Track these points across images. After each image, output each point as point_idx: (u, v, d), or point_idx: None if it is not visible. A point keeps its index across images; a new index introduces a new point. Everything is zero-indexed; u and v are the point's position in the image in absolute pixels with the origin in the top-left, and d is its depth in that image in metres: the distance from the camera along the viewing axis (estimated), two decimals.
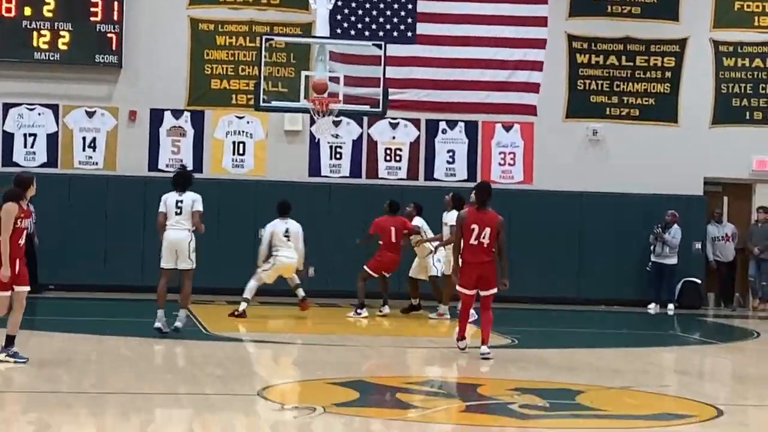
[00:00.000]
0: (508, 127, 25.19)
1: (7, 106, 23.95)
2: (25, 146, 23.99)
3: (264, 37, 21.67)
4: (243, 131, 24.64)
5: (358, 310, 20.10)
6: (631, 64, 25.64)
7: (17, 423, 10.24)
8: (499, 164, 25.20)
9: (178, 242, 16.30)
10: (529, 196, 24.78)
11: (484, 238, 14.51)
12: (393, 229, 20.51)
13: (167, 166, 24.14)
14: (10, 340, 12.94)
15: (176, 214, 16.40)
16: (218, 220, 21.91)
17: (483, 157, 25.21)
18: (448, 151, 25.15)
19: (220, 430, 10.25)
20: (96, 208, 23.66)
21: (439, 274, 20.34)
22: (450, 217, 19.67)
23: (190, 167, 22.29)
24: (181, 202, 16.43)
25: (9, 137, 23.95)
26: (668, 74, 25.63)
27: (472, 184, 24.64)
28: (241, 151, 24.60)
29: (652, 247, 24.48)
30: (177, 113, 24.44)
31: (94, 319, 19.03)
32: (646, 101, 25.63)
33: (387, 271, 20.76)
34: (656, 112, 25.55)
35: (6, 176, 23.08)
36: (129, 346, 15.62)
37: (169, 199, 16.51)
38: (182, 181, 16.83)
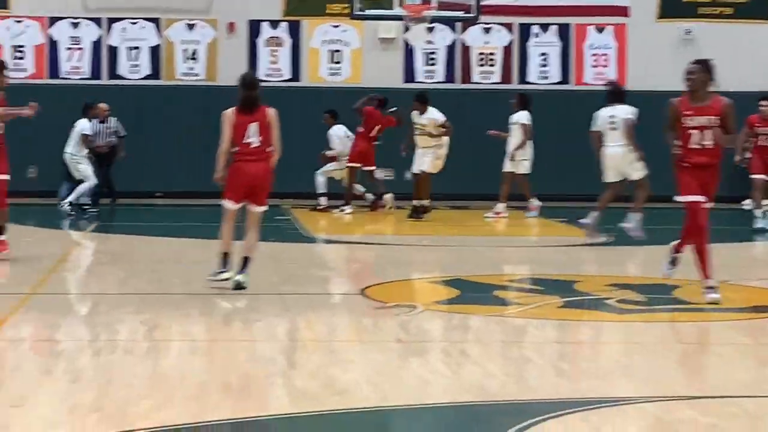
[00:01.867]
0: (600, 29, 24.96)
1: (111, 21, 24.18)
2: (129, 59, 24.24)
3: None
4: (339, 40, 24.66)
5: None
6: None
7: (131, 323, 10.48)
8: (592, 66, 25.00)
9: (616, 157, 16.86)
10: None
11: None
12: None
13: (266, 75, 24.27)
14: None
15: (611, 130, 16.78)
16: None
17: (576, 59, 25.01)
18: (541, 55, 25.03)
19: (324, 329, 10.40)
20: (198, 118, 23.86)
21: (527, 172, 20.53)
22: (519, 117, 19.89)
23: (289, 76, 22.53)
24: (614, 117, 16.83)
25: (113, 51, 24.21)
26: None
27: (564, 87, 24.65)
28: (336, 60, 24.61)
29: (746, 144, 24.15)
30: (274, 24, 24.54)
31: (201, 225, 19.26)
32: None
33: None
34: (750, 10, 25.07)
35: (111, 89, 23.56)
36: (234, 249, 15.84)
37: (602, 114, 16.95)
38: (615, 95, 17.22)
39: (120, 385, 8.15)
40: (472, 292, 12.30)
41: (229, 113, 11.65)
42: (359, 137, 21.51)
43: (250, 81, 12.00)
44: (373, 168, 21.88)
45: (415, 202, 20.28)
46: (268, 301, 11.05)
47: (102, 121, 21.92)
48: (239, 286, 11.44)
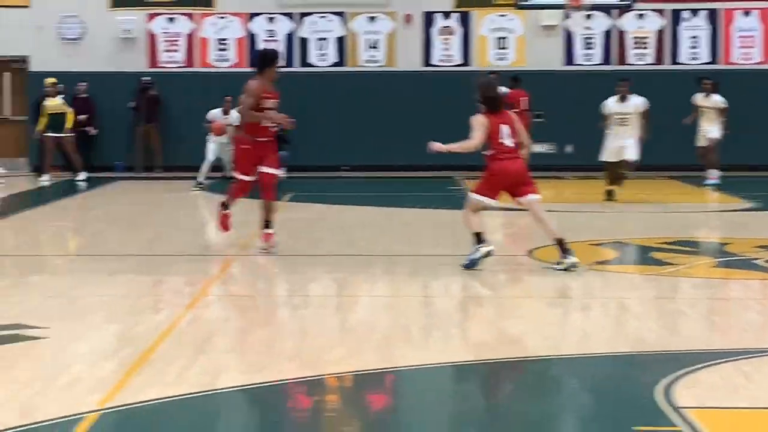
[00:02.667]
0: (747, 13, 24.33)
1: (302, 15, 24.47)
2: (318, 49, 24.50)
3: None
4: (504, 28, 24.52)
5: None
6: None
7: (323, 280, 10.64)
8: (739, 47, 24.40)
9: None
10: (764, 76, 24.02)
11: None
12: None
13: (439, 61, 24.41)
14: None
15: None
16: None
17: (724, 41, 24.44)
18: (692, 37, 24.48)
19: (496, 286, 10.41)
20: (378, 101, 24.02)
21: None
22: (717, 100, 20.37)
23: (460, 62, 22.50)
24: None
25: (304, 42, 24.51)
26: None
27: (715, 67, 24.12)
28: (503, 46, 24.50)
29: None
30: (446, 14, 24.51)
31: (386, 194, 19.42)
32: None
33: None
34: None
35: (302, 75, 23.85)
36: (418, 215, 15.98)
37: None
38: None
39: (314, 335, 8.29)
40: (630, 253, 12.20)
41: (482, 118, 10.90)
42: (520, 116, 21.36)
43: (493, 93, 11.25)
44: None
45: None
46: (444, 262, 11.09)
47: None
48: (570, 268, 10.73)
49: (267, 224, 11.83)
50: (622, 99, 17.79)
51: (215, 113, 20.97)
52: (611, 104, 17.89)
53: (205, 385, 6.67)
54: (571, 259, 10.66)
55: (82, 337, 8.04)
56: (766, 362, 7.31)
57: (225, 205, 12.21)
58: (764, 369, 7.15)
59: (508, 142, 10.85)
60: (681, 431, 5.76)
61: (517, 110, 18.99)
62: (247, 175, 11.77)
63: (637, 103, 17.84)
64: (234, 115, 18.54)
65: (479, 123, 10.85)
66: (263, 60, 12.25)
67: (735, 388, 6.68)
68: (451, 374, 7.26)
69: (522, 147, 11.17)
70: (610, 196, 17.57)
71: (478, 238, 10.84)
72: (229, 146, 18.53)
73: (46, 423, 5.92)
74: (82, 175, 22.18)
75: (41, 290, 10.20)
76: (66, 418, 5.98)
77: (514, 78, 21.91)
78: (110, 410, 6.18)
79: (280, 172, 12.03)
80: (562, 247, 10.74)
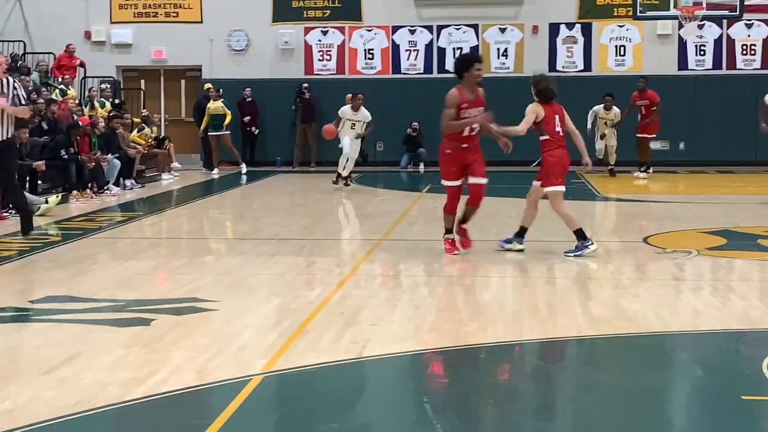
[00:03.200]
0: None
1: (440, 28, 24.46)
2: (454, 57, 24.42)
3: None
4: (623, 37, 24.17)
5: None
6: None
7: (459, 263, 10.58)
8: None
9: None
10: None
11: None
12: None
13: (563, 67, 24.16)
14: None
15: None
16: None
17: None
18: None
19: (614, 269, 10.27)
20: (508, 103, 23.82)
21: None
22: None
23: (582, 68, 22.24)
24: None
25: (442, 51, 24.49)
26: None
27: None
28: (622, 53, 24.16)
29: None
30: (570, 26, 24.28)
31: (512, 187, 19.28)
32: None
33: None
34: None
35: (440, 80, 23.84)
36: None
37: None
38: None
39: (452, 310, 8.30)
40: (738, 240, 11.93)
41: (535, 107, 10.79)
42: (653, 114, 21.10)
43: (546, 86, 11.00)
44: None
45: None
46: (565, 247, 10.96)
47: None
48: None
49: (464, 221, 11.02)
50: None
51: (345, 110, 19.03)
52: None
53: (355, 353, 6.75)
54: (590, 246, 10.61)
55: (248, 310, 8.18)
56: None
57: (448, 231, 11.01)
58: None
59: (560, 130, 10.71)
60: None
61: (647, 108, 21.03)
62: (454, 180, 10.84)
63: None
64: (364, 113, 18.67)
65: (531, 111, 10.71)
66: (461, 65, 11.09)
67: None
68: (572, 348, 7.21)
69: (574, 137, 11.04)
70: None
71: (580, 234, 10.68)
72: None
73: (220, 383, 6.06)
74: (243, 168, 22.63)
75: (212, 269, 10.42)
76: (237, 380, 6.10)
77: (644, 78, 21.67)
78: (274, 373, 6.29)
79: (486, 180, 10.93)
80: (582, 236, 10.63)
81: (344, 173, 19.17)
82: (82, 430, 5.33)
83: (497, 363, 6.84)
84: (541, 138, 10.75)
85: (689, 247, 11.32)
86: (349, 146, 18.89)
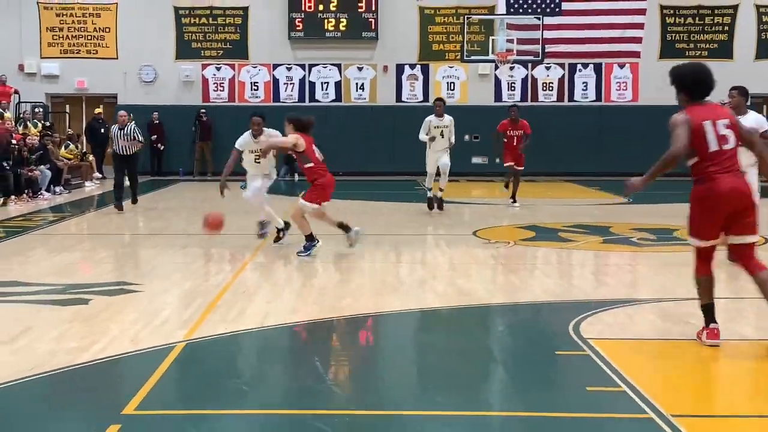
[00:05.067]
0: (621, 66, 24.51)
1: (311, 66, 24.46)
2: (322, 89, 24.50)
3: (465, 16, 21.69)
4: (453, 75, 24.60)
5: None
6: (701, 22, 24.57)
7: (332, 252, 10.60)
8: (616, 89, 24.63)
9: None
10: (634, 109, 24.19)
11: None
12: None
13: (407, 98, 24.47)
14: None
15: None
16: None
17: (605, 85, 24.63)
18: (583, 82, 24.66)
19: (453, 256, 10.46)
20: (367, 127, 24.05)
21: None
22: None
23: (421, 99, 22.48)
24: None
25: (312, 84, 24.51)
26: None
27: (598, 103, 24.25)
28: (452, 88, 24.58)
29: None
30: (412, 66, 24.56)
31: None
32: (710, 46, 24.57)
33: None
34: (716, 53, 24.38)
35: (310, 108, 23.86)
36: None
37: None
38: None
39: (330, 288, 8.32)
40: (543, 233, 12.26)
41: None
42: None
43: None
44: None
45: None
46: (417, 240, 11.11)
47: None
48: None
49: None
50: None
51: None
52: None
53: (257, 324, 6.79)
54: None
55: (166, 291, 8.10)
56: (641, 308, 7.40)
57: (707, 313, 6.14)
58: (641, 313, 7.25)
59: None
60: (588, 355, 5.85)
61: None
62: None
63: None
64: (448, 118, 14.34)
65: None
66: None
67: (623, 325, 6.82)
68: (426, 319, 7.35)
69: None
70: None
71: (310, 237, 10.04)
72: None
73: (150, 349, 6.02)
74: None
75: (133, 258, 10.25)
76: (164, 346, 6.07)
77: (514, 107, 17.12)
78: (193, 341, 6.28)
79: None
80: None
81: (431, 191, 14.53)
82: (39, 389, 5.24)
83: (366, 331, 6.96)
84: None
85: (507, 238, 11.62)
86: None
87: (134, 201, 15.78)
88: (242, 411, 4.78)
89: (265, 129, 11.10)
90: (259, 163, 11.13)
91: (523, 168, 16.03)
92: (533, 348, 6.26)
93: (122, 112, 15.67)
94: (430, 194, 14.63)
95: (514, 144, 15.81)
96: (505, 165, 16.11)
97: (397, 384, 5.39)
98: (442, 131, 14.34)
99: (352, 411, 4.73)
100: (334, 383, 5.35)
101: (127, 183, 15.61)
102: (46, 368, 5.50)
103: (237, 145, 11.12)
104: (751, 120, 9.10)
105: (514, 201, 15.90)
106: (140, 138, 15.44)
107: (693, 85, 6.03)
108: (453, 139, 14.49)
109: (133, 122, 15.95)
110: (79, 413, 4.84)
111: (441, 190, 14.57)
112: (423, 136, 14.35)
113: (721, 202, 5.87)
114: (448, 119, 14.44)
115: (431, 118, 14.43)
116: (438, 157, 14.29)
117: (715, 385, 5.58)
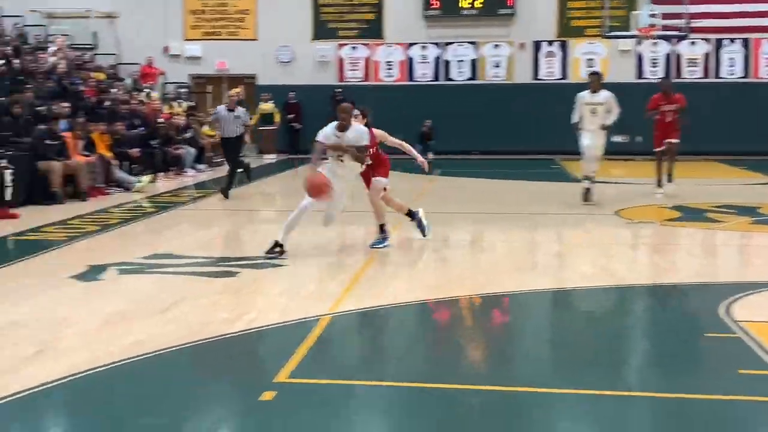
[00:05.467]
0: None
1: (447, 44, 24.43)
2: (457, 68, 24.47)
3: None
4: (593, 52, 24.12)
5: None
6: None
7: (467, 229, 10.64)
8: (765, 65, 23.61)
9: None
10: None
11: None
12: None
13: (545, 76, 24.17)
14: None
15: None
16: None
17: (753, 60, 23.64)
18: (730, 58, 23.75)
19: (593, 234, 10.32)
20: (503, 106, 23.94)
21: None
22: None
23: (560, 76, 22.12)
24: None
25: (447, 63, 24.48)
26: None
27: (745, 80, 23.32)
28: (592, 65, 24.09)
29: None
30: (550, 42, 24.21)
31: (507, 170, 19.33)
32: None
33: None
34: None
35: (444, 87, 23.84)
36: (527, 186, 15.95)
37: None
38: None
39: (451, 267, 8.35)
40: (691, 214, 11.97)
41: None
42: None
43: None
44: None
45: None
46: (551, 218, 11.01)
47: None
48: None
49: None
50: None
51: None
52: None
53: (394, 299, 6.90)
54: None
55: (312, 266, 8.32)
56: None
57: None
58: None
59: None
60: (740, 337, 5.74)
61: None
62: None
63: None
64: (604, 94, 12.74)
65: None
66: None
67: None
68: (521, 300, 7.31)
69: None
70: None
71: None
72: None
73: (298, 320, 6.23)
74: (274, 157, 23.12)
75: (276, 235, 10.54)
76: (310, 318, 6.27)
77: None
78: (339, 313, 6.46)
79: None
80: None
81: (587, 181, 13.03)
82: (194, 357, 5.50)
83: (503, 308, 6.97)
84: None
85: (652, 218, 11.42)
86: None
87: (226, 190, 13.88)
88: (390, 383, 4.89)
89: (354, 122, 8.77)
90: (594, 116, 10.87)
91: (678, 141, 14.13)
92: (682, 329, 6.14)
93: (233, 92, 14.29)
94: (586, 183, 12.95)
95: (668, 121, 14.08)
96: (654, 150, 14.32)
97: (542, 362, 5.41)
98: (594, 108, 12.71)
99: (497, 387, 4.78)
100: (478, 359, 5.41)
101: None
102: (199, 337, 5.76)
103: (320, 138, 8.79)
104: None
105: (669, 180, 14.22)
106: (249, 121, 14.45)
107: None
108: (611, 120, 12.70)
109: (243, 105, 14.83)
110: (233, 380, 5.06)
111: (586, 178, 12.94)
112: (575, 117, 12.90)
113: None
114: (603, 95, 12.73)
115: (584, 94, 12.84)
116: (588, 137, 12.75)
117: None
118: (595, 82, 12.81)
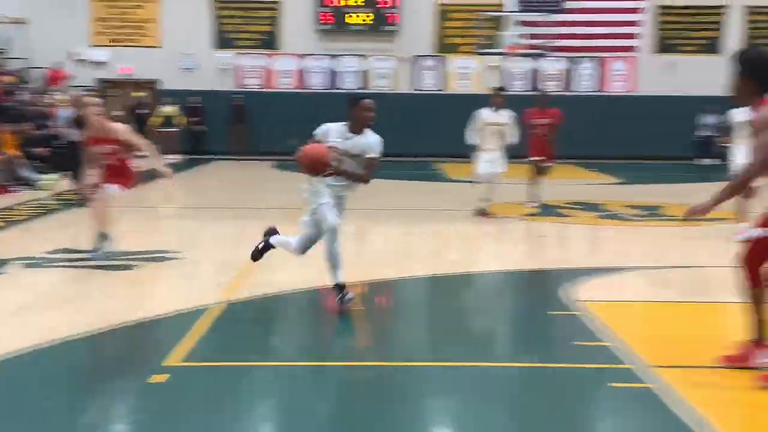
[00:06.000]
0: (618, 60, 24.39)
1: (337, 56, 24.39)
2: (348, 78, 24.47)
3: (480, 12, 21.63)
4: (466, 66, 24.52)
5: None
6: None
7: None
8: (614, 81, 24.58)
9: None
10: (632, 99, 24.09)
11: None
12: None
13: (424, 86, 24.43)
14: None
15: None
16: None
17: (603, 77, 24.54)
18: (584, 74, 24.59)
19: (458, 228, 10.48)
20: (388, 113, 24.00)
21: None
22: None
23: (439, 88, 22.24)
24: None
25: (336, 73, 24.46)
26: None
27: (597, 93, 24.14)
28: (464, 78, 24.49)
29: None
30: (428, 57, 24.51)
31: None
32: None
33: None
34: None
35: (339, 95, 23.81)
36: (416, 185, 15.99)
37: None
38: None
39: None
40: (546, 210, 12.26)
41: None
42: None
43: None
44: None
45: None
46: (427, 215, 11.12)
47: None
48: None
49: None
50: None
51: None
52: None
53: (288, 286, 6.92)
54: None
55: (206, 258, 8.26)
56: (628, 274, 7.53)
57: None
58: (628, 278, 7.38)
59: None
60: (578, 314, 5.98)
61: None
62: None
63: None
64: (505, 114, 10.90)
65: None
66: None
67: (611, 289, 6.96)
68: (432, 283, 7.47)
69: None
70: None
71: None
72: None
73: (192, 309, 6.19)
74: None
75: (174, 229, 10.42)
76: (205, 306, 6.25)
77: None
78: (233, 302, 6.45)
79: None
80: None
81: (485, 202, 11.08)
82: (93, 345, 5.44)
83: (375, 294, 7.07)
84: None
85: (511, 214, 11.66)
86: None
87: None
88: (280, 363, 4.96)
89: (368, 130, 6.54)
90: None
91: (550, 165, 12.62)
92: (529, 309, 6.43)
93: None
94: (483, 204, 11.01)
95: (541, 135, 12.41)
96: (530, 159, 12.54)
97: (410, 340, 5.57)
98: (498, 128, 10.81)
99: (371, 362, 4.93)
100: (363, 339, 5.54)
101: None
102: (99, 326, 5.66)
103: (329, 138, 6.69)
104: None
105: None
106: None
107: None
108: (516, 139, 10.90)
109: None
110: (126, 365, 5.01)
111: (485, 200, 11.00)
112: (472, 137, 10.85)
113: None
114: (507, 114, 10.83)
115: (484, 111, 10.89)
116: (490, 161, 10.86)
117: (699, 341, 5.68)
118: (499, 98, 10.83)
